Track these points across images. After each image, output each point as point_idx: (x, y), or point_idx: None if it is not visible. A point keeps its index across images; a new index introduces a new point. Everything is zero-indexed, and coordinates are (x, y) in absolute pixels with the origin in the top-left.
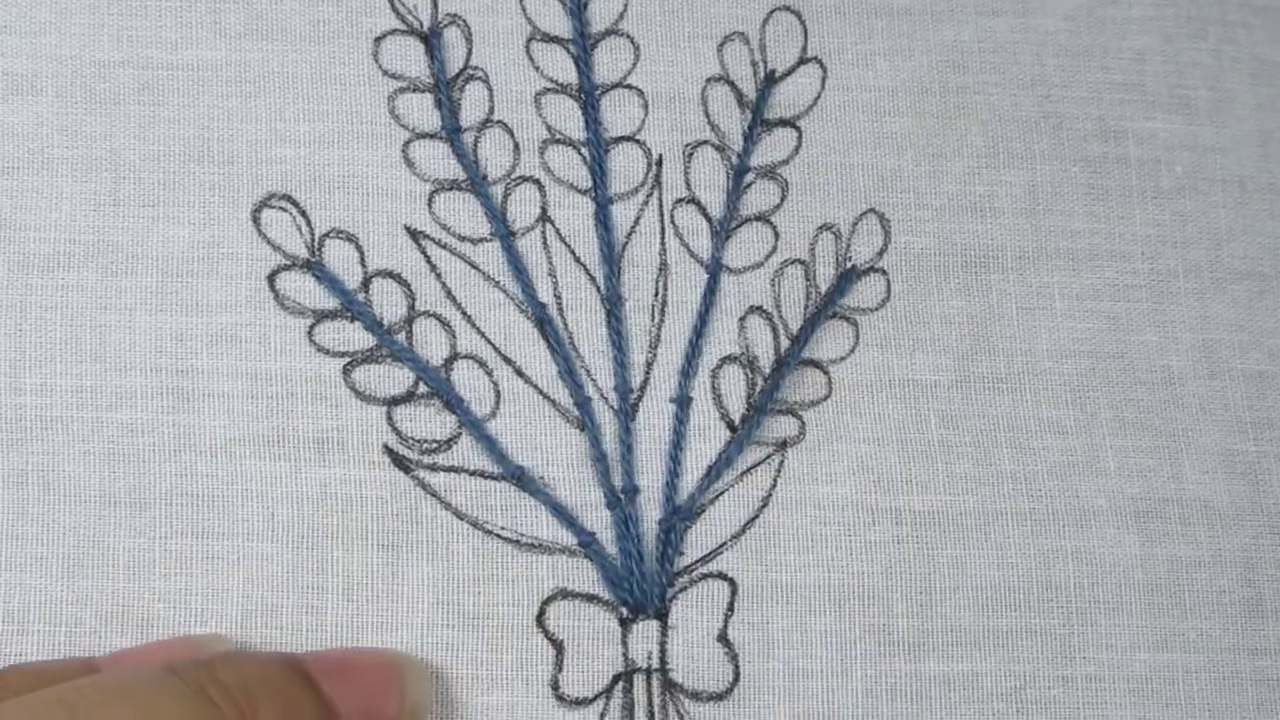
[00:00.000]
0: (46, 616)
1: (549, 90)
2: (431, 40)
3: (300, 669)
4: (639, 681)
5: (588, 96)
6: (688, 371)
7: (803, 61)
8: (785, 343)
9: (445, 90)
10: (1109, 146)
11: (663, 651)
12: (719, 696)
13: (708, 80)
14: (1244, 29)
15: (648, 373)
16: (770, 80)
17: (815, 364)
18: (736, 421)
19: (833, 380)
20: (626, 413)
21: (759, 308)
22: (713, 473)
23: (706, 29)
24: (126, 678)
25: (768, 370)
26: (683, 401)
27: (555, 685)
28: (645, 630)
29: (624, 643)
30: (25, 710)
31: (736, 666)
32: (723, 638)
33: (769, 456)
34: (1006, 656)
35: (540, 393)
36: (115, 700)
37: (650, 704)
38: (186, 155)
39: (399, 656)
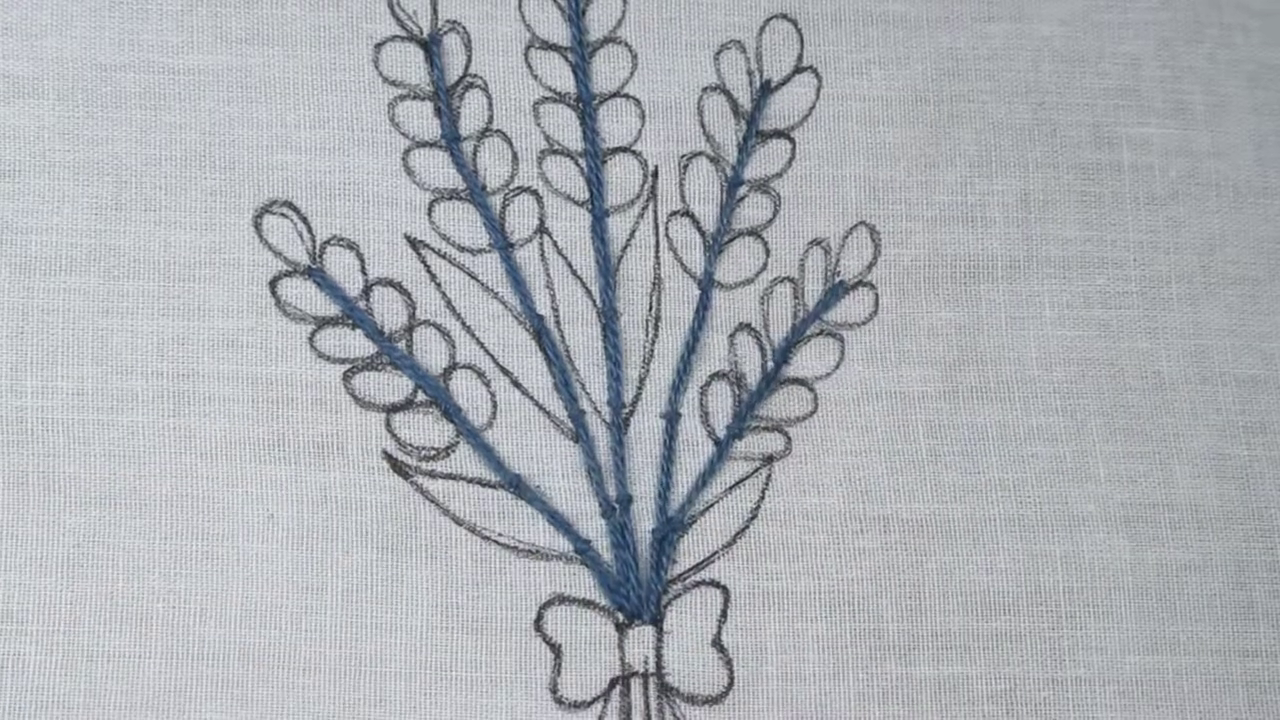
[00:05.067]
0: (46, 616)
1: (547, 99)
2: (431, 47)
3: None
4: (636, 685)
5: (585, 106)
6: (678, 387)
7: (798, 70)
8: (772, 361)
9: (445, 98)
10: (1103, 153)
11: (658, 656)
12: (714, 700)
13: (704, 90)
14: (1241, 32)
15: (640, 387)
16: (766, 89)
17: (801, 381)
18: (722, 437)
19: (819, 396)
20: (619, 426)
21: (748, 325)
22: (699, 486)
23: (704, 36)
24: None
25: (754, 387)
26: (672, 417)
27: (554, 688)
28: (641, 636)
29: (621, 647)
30: None
31: (731, 671)
32: (717, 643)
33: (756, 471)
34: (996, 660)
35: (536, 404)
36: None
37: (647, 708)
38: (188, 160)
39: None
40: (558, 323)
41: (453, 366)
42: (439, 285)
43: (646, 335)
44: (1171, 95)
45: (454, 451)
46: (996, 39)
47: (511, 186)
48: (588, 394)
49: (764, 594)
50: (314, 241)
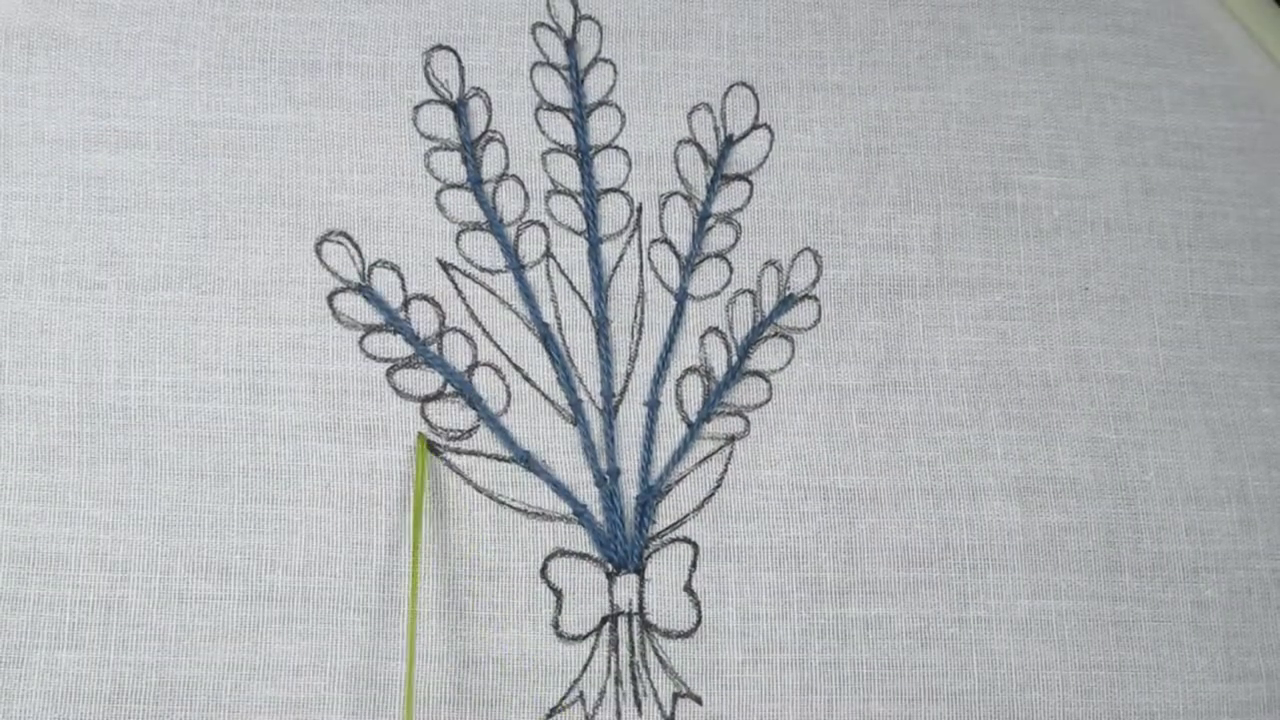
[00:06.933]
0: (144, 567)
1: (553, 150)
2: (459, 108)
3: None
4: (622, 623)
5: (583, 155)
6: (658, 380)
7: (755, 127)
8: (735, 357)
9: (470, 149)
10: (1000, 195)
11: (640, 599)
12: (685, 635)
13: (679, 142)
14: (1111, 99)
15: (627, 381)
16: (729, 142)
17: (759, 374)
18: (693, 420)
19: (773, 386)
20: (610, 412)
21: (715, 328)
22: (675, 460)
23: (679, 99)
24: None
25: (720, 379)
26: (652, 404)
27: (556, 625)
28: (627, 583)
29: (610, 592)
30: None
31: (699, 611)
32: (688, 589)
33: (721, 448)
34: (913, 602)
35: (543, 395)
36: None
37: (631, 641)
38: (263, 198)
39: None
40: (560, 329)
41: (475, 364)
42: (464, 299)
43: (632, 339)
44: (1055, 150)
45: (476, 433)
46: (914, 103)
47: (524, 220)
48: (584, 386)
49: (726, 549)
50: (364, 264)
